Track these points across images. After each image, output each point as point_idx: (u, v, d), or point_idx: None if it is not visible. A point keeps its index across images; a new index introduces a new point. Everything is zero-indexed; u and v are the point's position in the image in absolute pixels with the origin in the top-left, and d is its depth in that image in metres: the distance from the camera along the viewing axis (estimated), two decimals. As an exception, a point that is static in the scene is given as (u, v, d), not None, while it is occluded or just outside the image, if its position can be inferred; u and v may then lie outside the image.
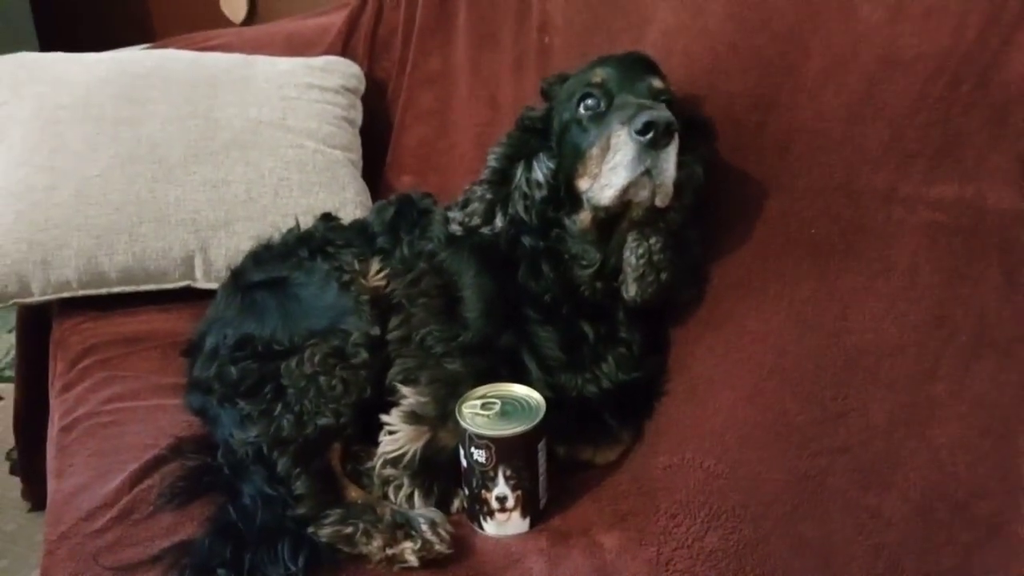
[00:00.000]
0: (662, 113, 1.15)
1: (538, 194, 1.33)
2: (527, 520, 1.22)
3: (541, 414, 1.20)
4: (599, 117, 1.25)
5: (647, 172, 1.16)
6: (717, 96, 1.38)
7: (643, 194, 1.19)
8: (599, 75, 1.28)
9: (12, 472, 2.27)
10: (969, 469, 0.96)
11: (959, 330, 1.02)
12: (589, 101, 1.27)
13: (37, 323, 1.91)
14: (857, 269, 1.14)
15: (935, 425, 1.00)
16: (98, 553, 1.16)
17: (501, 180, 1.35)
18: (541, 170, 1.34)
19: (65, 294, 1.76)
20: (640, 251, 1.27)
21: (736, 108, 1.35)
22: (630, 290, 1.28)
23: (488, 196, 1.35)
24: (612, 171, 1.18)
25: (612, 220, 1.27)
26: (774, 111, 1.31)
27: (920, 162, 1.11)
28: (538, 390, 1.25)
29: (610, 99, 1.25)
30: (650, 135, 1.14)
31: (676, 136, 1.17)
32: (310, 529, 1.18)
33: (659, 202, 1.20)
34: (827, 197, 1.21)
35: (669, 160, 1.17)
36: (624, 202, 1.21)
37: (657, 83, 1.27)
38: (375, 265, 1.43)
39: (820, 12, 1.28)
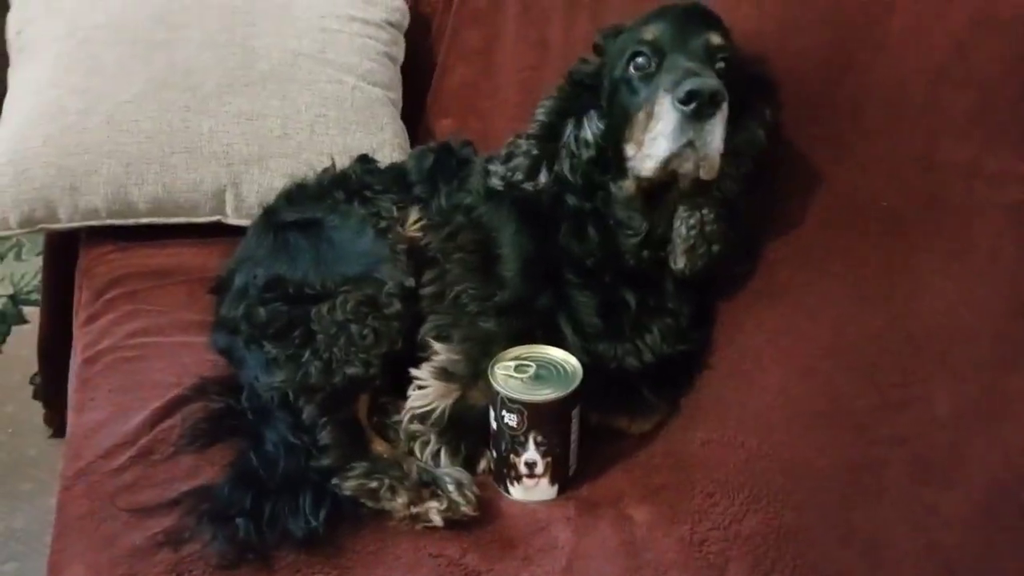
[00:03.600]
0: (707, 81, 1.08)
1: (586, 154, 1.27)
2: (555, 487, 1.19)
3: (577, 380, 1.16)
4: (648, 78, 1.17)
5: (690, 144, 1.10)
6: (787, 53, 1.29)
7: (687, 166, 1.13)
8: (651, 32, 1.20)
9: (35, 396, 2.27)
10: (1043, 472, 0.89)
11: (1041, 321, 0.95)
12: (639, 60, 1.19)
13: (64, 250, 1.88)
14: (931, 248, 1.06)
15: (1007, 421, 0.93)
16: (115, 493, 1.14)
17: (549, 135, 1.29)
18: (591, 129, 1.28)
19: (93, 222, 1.72)
20: (691, 222, 1.20)
21: (807, 66, 1.26)
22: (678, 262, 1.22)
23: (534, 152, 1.29)
24: (653, 141, 1.12)
25: (660, 189, 1.21)
26: (849, 71, 1.21)
27: (1011, 134, 1.02)
28: (574, 356, 1.20)
29: (661, 58, 1.17)
30: (693, 105, 1.07)
31: (724, 106, 1.09)
32: (333, 481, 1.15)
33: (704, 175, 1.13)
34: (902, 168, 1.13)
35: (715, 132, 1.10)
36: (669, 172, 1.15)
37: (716, 39, 1.19)
38: (413, 214, 1.39)
39: (907, -35, 1.18)
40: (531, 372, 1.17)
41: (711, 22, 1.22)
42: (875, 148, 1.16)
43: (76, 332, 1.57)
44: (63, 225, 1.72)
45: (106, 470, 1.18)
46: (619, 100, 1.22)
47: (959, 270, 1.02)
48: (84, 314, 1.57)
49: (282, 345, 1.29)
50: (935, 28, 1.13)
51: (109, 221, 1.72)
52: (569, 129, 1.28)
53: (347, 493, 1.14)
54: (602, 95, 1.27)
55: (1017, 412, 0.93)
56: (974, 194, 1.04)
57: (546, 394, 1.14)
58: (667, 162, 1.12)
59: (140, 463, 1.19)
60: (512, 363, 1.18)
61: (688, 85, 1.07)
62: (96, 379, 1.38)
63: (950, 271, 1.03)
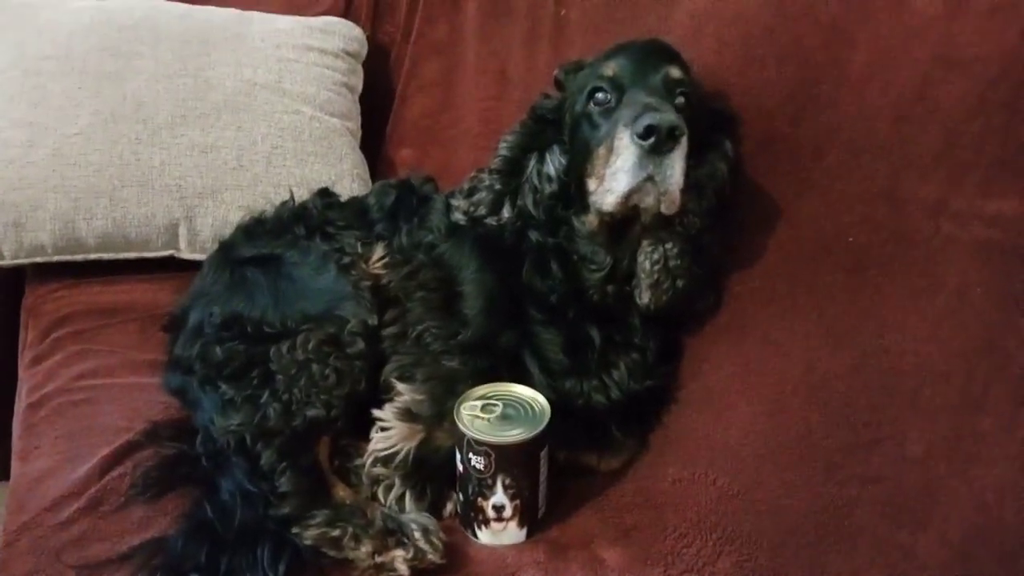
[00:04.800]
0: (665, 116, 1.08)
1: (548, 188, 1.27)
2: (524, 530, 1.16)
3: (545, 420, 1.14)
4: (608, 113, 1.18)
5: (650, 178, 1.11)
6: (749, 86, 1.29)
7: (648, 201, 1.13)
8: (611, 67, 1.21)
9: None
10: (1018, 516, 0.89)
11: (1011, 361, 0.94)
12: (599, 95, 1.20)
13: (9, 288, 1.80)
14: (898, 285, 1.06)
15: (980, 463, 0.93)
16: (62, 548, 1.09)
17: (511, 170, 1.29)
18: (554, 164, 1.28)
19: (39, 259, 1.67)
20: (655, 256, 1.20)
21: (769, 101, 1.27)
22: (643, 297, 1.21)
23: (497, 186, 1.28)
24: (613, 175, 1.13)
25: (623, 223, 1.21)
26: (812, 106, 1.22)
27: (976, 173, 1.03)
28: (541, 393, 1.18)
29: (621, 94, 1.18)
30: (651, 140, 1.08)
31: (683, 140, 1.10)
32: (294, 530, 1.11)
33: (665, 209, 1.13)
34: (867, 204, 1.13)
35: (674, 166, 1.11)
36: (630, 207, 1.15)
37: (675, 73, 1.19)
38: (378, 251, 1.36)
39: (869, 1, 1.19)
40: (498, 412, 1.14)
41: (670, 57, 1.22)
42: (839, 183, 1.17)
43: (21, 374, 1.51)
44: (7, 262, 1.66)
45: (52, 523, 1.13)
46: (580, 135, 1.22)
47: (927, 307, 1.02)
48: (30, 355, 1.51)
49: (239, 386, 1.25)
50: (898, 65, 1.14)
51: (56, 257, 1.67)
52: (532, 164, 1.28)
53: (308, 543, 1.10)
54: (564, 130, 1.27)
55: (988, 454, 0.93)
56: (940, 231, 1.04)
57: (514, 435, 1.11)
58: (627, 196, 1.12)
59: (89, 515, 1.14)
60: (478, 402, 1.15)
61: (646, 120, 1.07)
62: (42, 424, 1.32)
63: (918, 308, 1.03)
